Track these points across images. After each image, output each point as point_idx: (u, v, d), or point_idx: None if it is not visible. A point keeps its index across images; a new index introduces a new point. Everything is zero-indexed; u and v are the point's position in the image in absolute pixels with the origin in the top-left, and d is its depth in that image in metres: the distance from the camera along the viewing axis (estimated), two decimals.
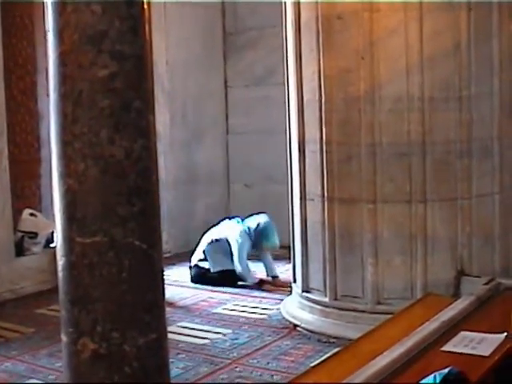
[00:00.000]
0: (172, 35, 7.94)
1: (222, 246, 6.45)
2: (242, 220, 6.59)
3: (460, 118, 4.60)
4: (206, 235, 6.68)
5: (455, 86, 4.58)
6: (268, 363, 4.43)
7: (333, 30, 4.68)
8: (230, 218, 6.80)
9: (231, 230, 6.46)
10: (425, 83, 4.52)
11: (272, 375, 4.24)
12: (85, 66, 1.83)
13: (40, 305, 5.93)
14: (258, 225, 6.42)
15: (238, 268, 6.29)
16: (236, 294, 6.16)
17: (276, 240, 6.36)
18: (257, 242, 6.43)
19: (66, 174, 1.87)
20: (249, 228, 6.43)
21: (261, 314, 5.55)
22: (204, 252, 6.51)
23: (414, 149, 4.57)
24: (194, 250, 6.68)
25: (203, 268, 6.57)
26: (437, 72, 4.54)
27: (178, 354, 4.61)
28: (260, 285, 6.29)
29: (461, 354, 3.08)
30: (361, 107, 4.62)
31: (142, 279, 1.90)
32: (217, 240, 6.47)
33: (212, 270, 6.47)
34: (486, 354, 3.05)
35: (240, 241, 6.33)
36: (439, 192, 4.62)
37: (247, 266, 6.35)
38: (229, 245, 6.39)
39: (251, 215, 6.63)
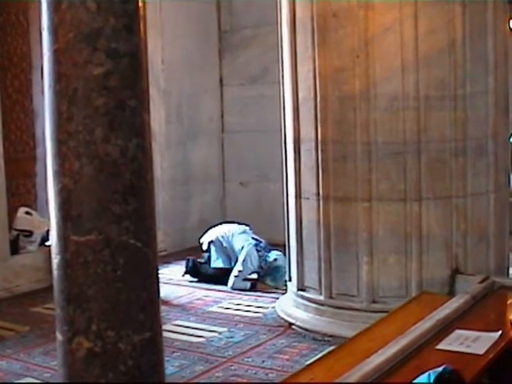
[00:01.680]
0: (167, 33, 7.93)
1: (229, 251, 6.47)
2: (259, 244, 6.45)
3: (455, 116, 4.61)
4: (221, 226, 6.70)
5: (450, 84, 4.59)
6: (263, 361, 4.43)
7: (328, 28, 4.68)
8: (250, 228, 6.69)
9: (248, 255, 6.28)
10: (420, 82, 4.53)
11: (267, 373, 4.24)
12: (79, 63, 1.82)
13: (35, 303, 5.93)
14: (276, 260, 6.34)
15: (231, 283, 6.24)
16: (231, 292, 6.17)
17: (282, 283, 6.03)
18: (264, 274, 6.38)
19: (60, 173, 1.86)
20: (266, 260, 6.35)
21: (256, 312, 5.56)
22: (210, 243, 6.52)
23: (409, 147, 4.57)
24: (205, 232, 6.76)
25: (199, 262, 6.66)
26: (432, 70, 4.55)
27: (174, 352, 4.61)
28: (254, 287, 6.28)
29: (455, 352, 3.09)
30: (356, 106, 4.62)
31: (136, 277, 1.89)
32: (229, 247, 6.47)
33: (212, 265, 6.50)
34: (481, 352, 3.05)
35: (249, 266, 6.27)
36: (434, 190, 4.63)
37: (239, 286, 6.27)
38: (236, 258, 6.37)
39: (275, 249, 6.46)
